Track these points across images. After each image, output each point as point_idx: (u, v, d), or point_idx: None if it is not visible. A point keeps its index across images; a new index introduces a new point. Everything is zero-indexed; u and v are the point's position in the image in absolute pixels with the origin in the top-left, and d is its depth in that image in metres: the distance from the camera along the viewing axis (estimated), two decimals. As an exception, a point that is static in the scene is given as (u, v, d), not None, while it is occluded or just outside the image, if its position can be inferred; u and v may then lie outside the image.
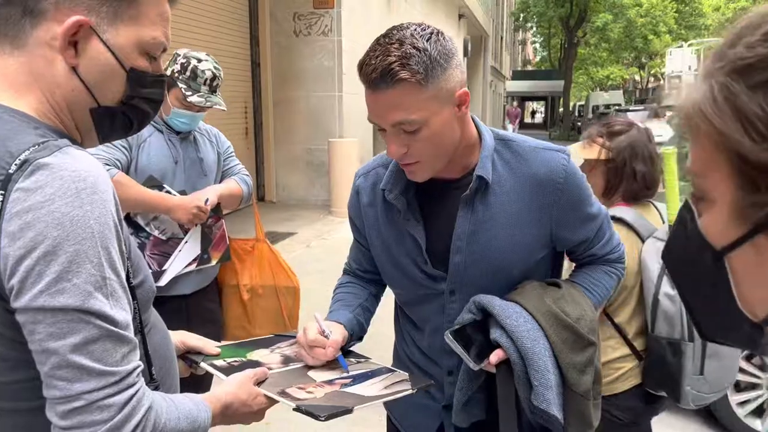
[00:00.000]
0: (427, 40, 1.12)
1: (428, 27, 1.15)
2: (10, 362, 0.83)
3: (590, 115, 31.43)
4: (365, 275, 1.52)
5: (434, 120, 1.15)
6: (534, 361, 1.17)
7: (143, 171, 2.12)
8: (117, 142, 2.04)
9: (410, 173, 1.25)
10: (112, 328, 0.80)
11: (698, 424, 3.26)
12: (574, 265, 1.49)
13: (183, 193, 2.19)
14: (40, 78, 0.87)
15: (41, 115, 0.87)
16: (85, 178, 0.80)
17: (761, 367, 3.08)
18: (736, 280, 0.43)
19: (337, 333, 1.30)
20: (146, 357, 0.97)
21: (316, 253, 6.99)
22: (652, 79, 49.90)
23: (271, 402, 1.13)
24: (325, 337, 1.26)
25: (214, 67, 2.21)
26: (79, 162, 0.81)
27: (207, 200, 2.17)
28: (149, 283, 0.99)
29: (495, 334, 1.21)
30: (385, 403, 1.45)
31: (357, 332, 1.41)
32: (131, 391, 0.81)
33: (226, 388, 1.09)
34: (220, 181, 2.41)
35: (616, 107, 26.40)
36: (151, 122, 2.21)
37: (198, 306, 2.25)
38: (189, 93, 2.13)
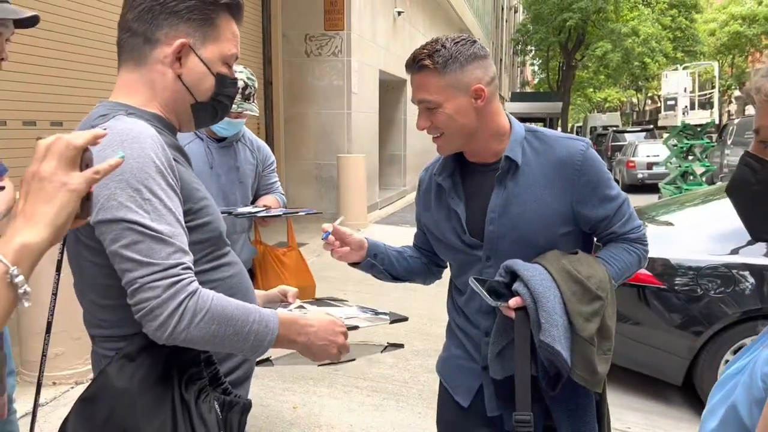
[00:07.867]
0: (455, 43, 1.46)
1: (464, 36, 1.50)
2: (107, 269, 1.11)
3: (588, 137, 31.91)
4: (421, 248, 1.82)
5: (449, 104, 1.46)
6: (543, 303, 1.39)
7: None
8: None
9: (438, 147, 1.56)
10: (154, 234, 1.05)
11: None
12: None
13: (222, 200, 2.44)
14: (154, 84, 1.23)
15: (142, 105, 1.22)
16: (128, 132, 1.10)
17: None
18: None
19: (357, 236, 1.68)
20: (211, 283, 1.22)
21: (327, 261, 7.25)
22: (649, 101, 50.41)
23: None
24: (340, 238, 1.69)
25: (248, 78, 2.47)
26: (126, 123, 1.12)
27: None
28: (215, 224, 1.25)
29: (516, 285, 1.44)
30: (437, 367, 1.75)
31: (381, 257, 1.72)
32: (175, 279, 1.05)
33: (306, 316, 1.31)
34: (257, 191, 2.66)
35: (614, 128, 26.81)
36: (195, 131, 2.53)
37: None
38: None
